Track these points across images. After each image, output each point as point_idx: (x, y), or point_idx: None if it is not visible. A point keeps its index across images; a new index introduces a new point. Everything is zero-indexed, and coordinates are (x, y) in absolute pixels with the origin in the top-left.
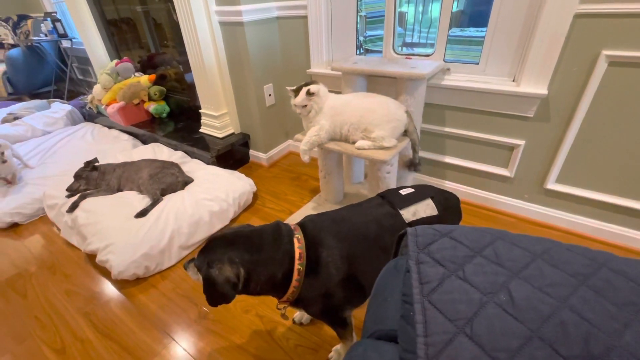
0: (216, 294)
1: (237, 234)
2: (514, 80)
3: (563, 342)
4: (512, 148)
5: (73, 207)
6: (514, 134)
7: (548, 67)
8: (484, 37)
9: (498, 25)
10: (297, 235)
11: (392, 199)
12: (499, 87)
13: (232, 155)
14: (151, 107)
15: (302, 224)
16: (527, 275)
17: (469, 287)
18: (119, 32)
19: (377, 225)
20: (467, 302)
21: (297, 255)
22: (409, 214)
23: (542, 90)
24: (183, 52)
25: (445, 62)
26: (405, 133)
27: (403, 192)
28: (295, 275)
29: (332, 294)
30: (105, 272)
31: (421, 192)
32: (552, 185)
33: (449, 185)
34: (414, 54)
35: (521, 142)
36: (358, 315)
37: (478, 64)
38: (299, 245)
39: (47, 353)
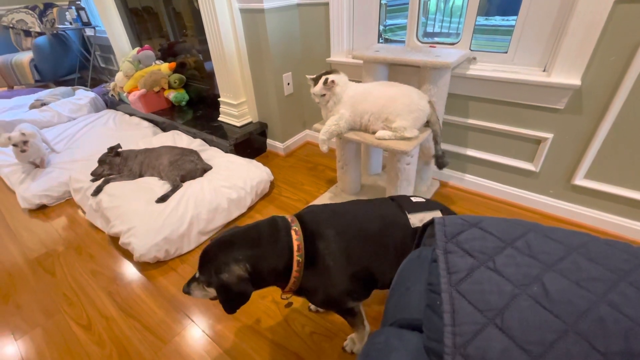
0: (234, 297)
1: (234, 234)
2: (544, 70)
3: (601, 337)
4: (538, 141)
5: (97, 191)
6: (541, 127)
7: (583, 57)
8: (510, 26)
9: (530, 12)
10: (294, 228)
11: (402, 202)
12: (529, 77)
13: (250, 144)
14: (171, 95)
15: (300, 216)
16: (563, 268)
17: (499, 279)
18: (141, 21)
19: (382, 222)
20: (497, 293)
21: (295, 247)
22: (416, 219)
23: (575, 80)
24: (202, 41)
25: (471, 51)
26: (427, 124)
27: (414, 199)
28: (295, 267)
29: (331, 285)
30: (128, 254)
31: (431, 204)
32: (580, 181)
33: (471, 179)
34: (438, 43)
35: (549, 135)
36: (370, 304)
37: (506, 52)
38: (296, 238)
39: (74, 328)
